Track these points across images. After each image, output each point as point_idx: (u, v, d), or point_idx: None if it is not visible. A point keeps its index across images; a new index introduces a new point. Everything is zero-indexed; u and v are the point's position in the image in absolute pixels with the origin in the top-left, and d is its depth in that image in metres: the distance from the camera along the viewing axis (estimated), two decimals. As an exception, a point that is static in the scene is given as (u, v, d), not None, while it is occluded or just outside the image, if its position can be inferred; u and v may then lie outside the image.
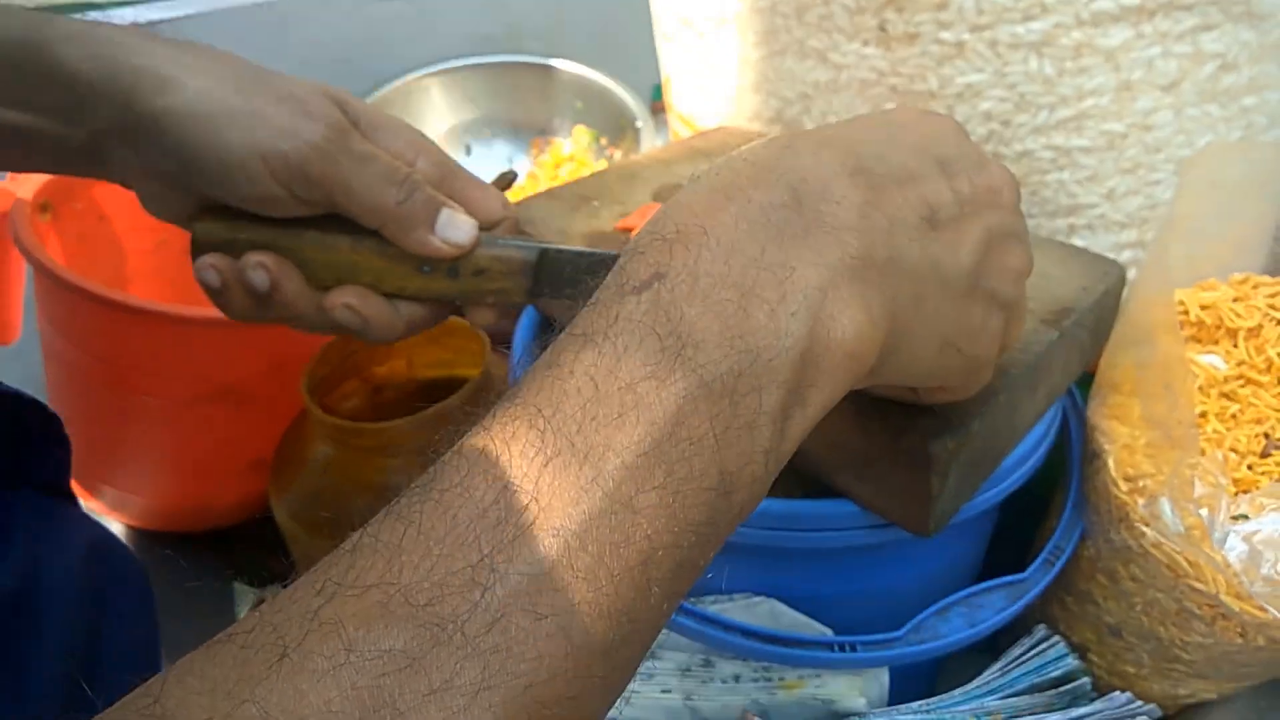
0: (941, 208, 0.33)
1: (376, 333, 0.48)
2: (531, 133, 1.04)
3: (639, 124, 0.94)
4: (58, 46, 0.44)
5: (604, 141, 1.01)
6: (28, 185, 0.69)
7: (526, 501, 0.24)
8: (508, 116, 1.04)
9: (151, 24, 0.97)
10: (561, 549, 0.24)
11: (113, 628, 0.54)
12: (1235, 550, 0.42)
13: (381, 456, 0.64)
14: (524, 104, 1.03)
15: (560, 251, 0.47)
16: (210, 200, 0.46)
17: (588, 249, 0.48)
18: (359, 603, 0.23)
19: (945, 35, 0.60)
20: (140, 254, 0.80)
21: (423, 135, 0.50)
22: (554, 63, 1.02)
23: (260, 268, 0.46)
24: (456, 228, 0.45)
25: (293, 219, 0.46)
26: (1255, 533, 0.42)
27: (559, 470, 0.24)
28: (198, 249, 0.47)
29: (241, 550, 0.80)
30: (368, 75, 1.02)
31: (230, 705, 0.21)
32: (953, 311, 0.33)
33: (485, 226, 0.48)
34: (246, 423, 0.71)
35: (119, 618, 0.54)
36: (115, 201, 0.77)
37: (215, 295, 0.48)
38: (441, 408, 0.64)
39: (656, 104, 1.01)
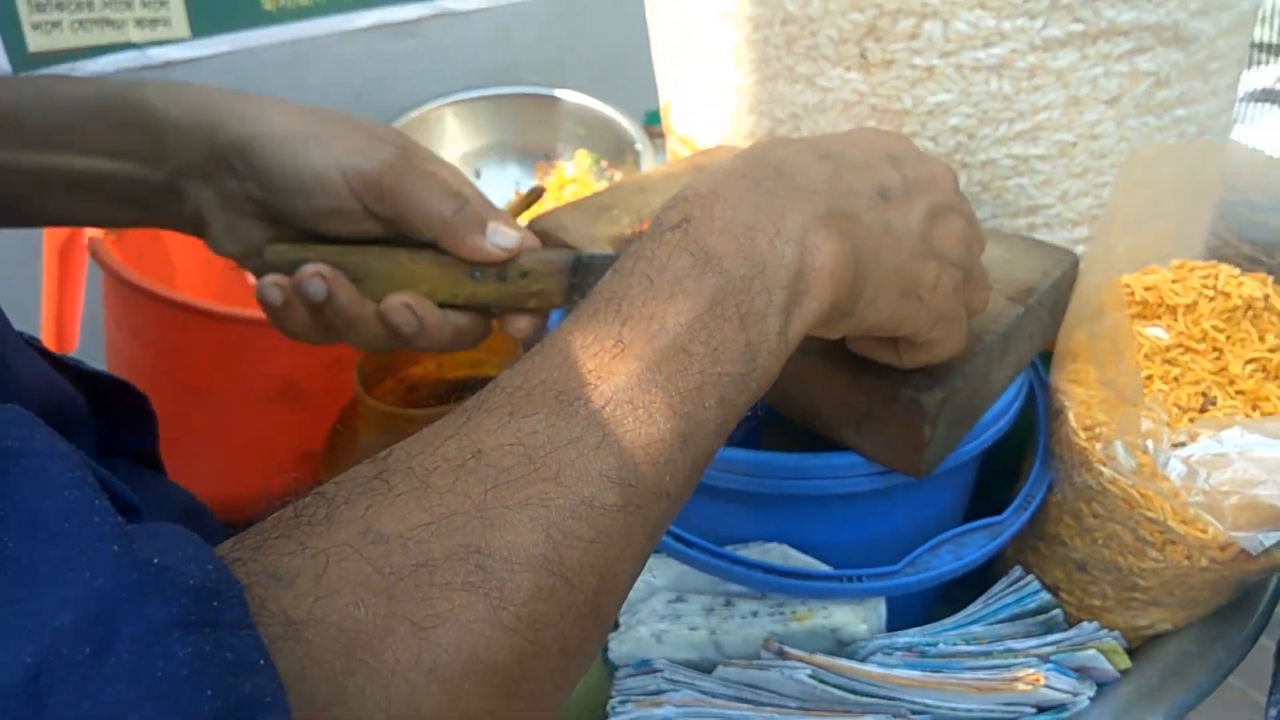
0: (891, 187, 0.43)
1: (429, 336, 0.53)
2: (536, 157, 1.13)
3: (638, 146, 1.03)
4: (150, 99, 0.51)
5: (604, 164, 1.10)
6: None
7: (613, 344, 0.34)
8: (514, 143, 1.13)
9: (178, 63, 1.05)
10: (643, 369, 0.33)
11: None
12: (1176, 471, 0.51)
13: (428, 439, 0.72)
14: (529, 131, 1.12)
15: (592, 255, 0.54)
16: (284, 225, 0.52)
17: (615, 253, 0.56)
18: (506, 396, 0.32)
19: (918, 60, 0.69)
20: (189, 269, 0.87)
21: (461, 173, 0.57)
22: (557, 93, 1.11)
23: (317, 277, 0.51)
24: (504, 235, 0.53)
25: (356, 239, 0.53)
26: (1190, 455, 0.51)
27: (634, 327, 0.34)
28: (264, 271, 0.53)
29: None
30: (382, 108, 1.11)
31: (420, 446, 0.31)
32: (907, 265, 0.43)
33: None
34: (300, 417, 0.78)
35: None
36: (169, 222, 0.85)
37: (275, 312, 0.53)
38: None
39: (651, 128, 1.09)
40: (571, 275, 0.54)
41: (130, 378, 0.78)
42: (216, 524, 0.66)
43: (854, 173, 0.42)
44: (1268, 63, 1.27)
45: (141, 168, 0.52)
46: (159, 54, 1.01)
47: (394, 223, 0.52)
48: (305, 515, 0.29)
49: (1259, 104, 1.28)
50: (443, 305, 0.54)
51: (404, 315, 0.52)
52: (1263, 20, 1.26)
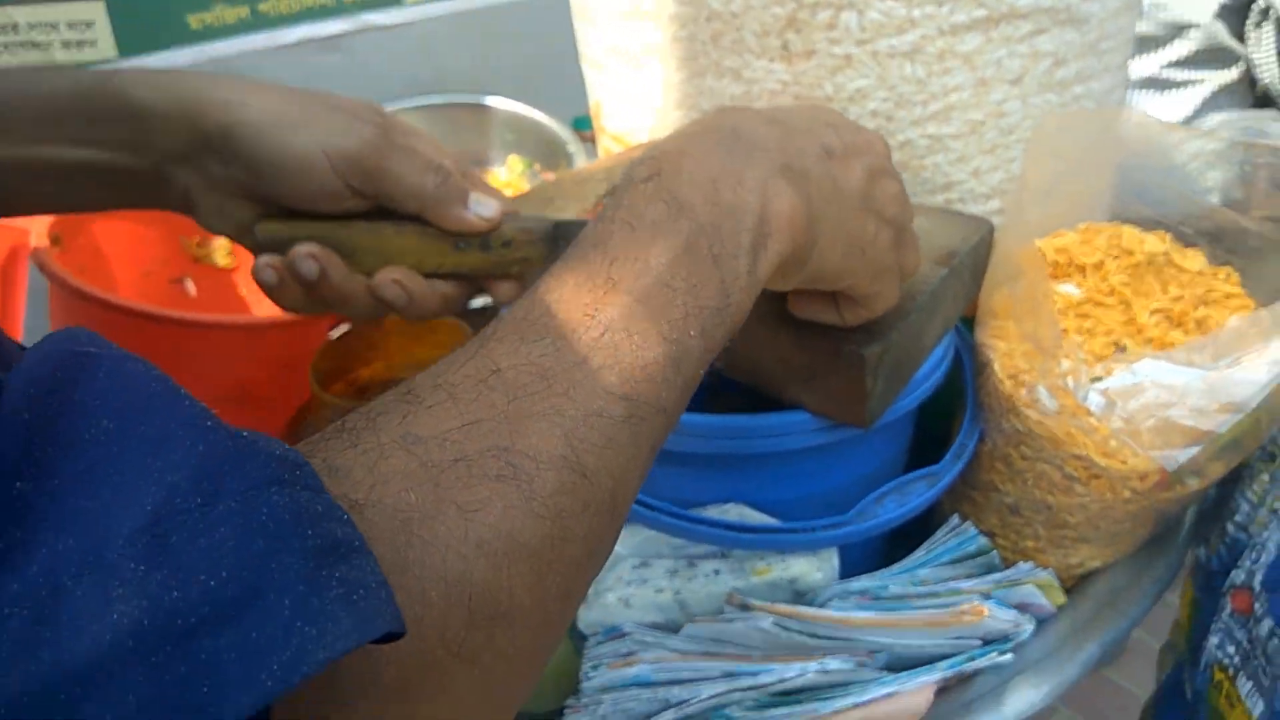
0: (833, 149, 0.47)
1: (418, 307, 0.56)
2: (468, 164, 1.15)
3: (570, 149, 1.06)
4: (129, 88, 0.52)
5: (537, 168, 1.12)
6: (40, 222, 0.76)
7: (604, 280, 0.37)
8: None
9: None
10: (633, 302, 0.37)
11: None
12: (1095, 403, 0.56)
13: (387, 432, 0.73)
14: (461, 139, 1.14)
15: (570, 221, 0.57)
16: (271, 205, 0.54)
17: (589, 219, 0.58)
18: (514, 326, 0.36)
19: (836, 50, 0.74)
20: (128, 284, 0.88)
21: (439, 144, 0.58)
22: (486, 100, 1.13)
23: (309, 258, 0.53)
24: (485, 205, 0.55)
25: (343, 215, 0.54)
26: (1107, 388, 0.56)
27: (621, 266, 0.37)
28: (258, 250, 0.55)
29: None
30: (313, 122, 1.12)
31: (443, 368, 0.34)
32: (852, 220, 0.47)
33: None
34: (252, 421, 0.79)
35: None
36: (110, 238, 0.85)
37: (272, 291, 0.55)
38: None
39: (581, 133, 1.13)
40: (551, 242, 0.57)
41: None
42: None
43: (801, 135, 0.46)
44: (1152, 52, 1.35)
45: (128, 156, 0.53)
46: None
47: (378, 199, 0.54)
48: (349, 425, 0.32)
49: (1144, 90, 1.37)
50: (429, 275, 0.56)
51: (394, 291, 0.54)
52: (1144, 15, 1.35)
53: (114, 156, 0.53)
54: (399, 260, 0.55)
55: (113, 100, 0.52)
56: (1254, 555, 0.66)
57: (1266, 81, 1.31)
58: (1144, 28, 1.36)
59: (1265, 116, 0.68)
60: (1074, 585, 0.72)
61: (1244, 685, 0.65)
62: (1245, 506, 0.69)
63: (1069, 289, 0.68)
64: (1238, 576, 0.67)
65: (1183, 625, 0.79)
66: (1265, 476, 0.68)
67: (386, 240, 0.55)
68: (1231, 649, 0.67)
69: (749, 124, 0.45)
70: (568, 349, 0.35)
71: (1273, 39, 1.30)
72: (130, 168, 0.53)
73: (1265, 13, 1.31)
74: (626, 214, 0.39)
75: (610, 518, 0.35)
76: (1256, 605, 0.64)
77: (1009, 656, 0.63)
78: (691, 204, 0.40)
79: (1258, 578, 0.64)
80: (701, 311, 0.38)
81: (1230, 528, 0.70)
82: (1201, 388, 0.55)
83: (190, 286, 0.90)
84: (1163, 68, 1.35)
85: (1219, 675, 0.69)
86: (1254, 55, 1.32)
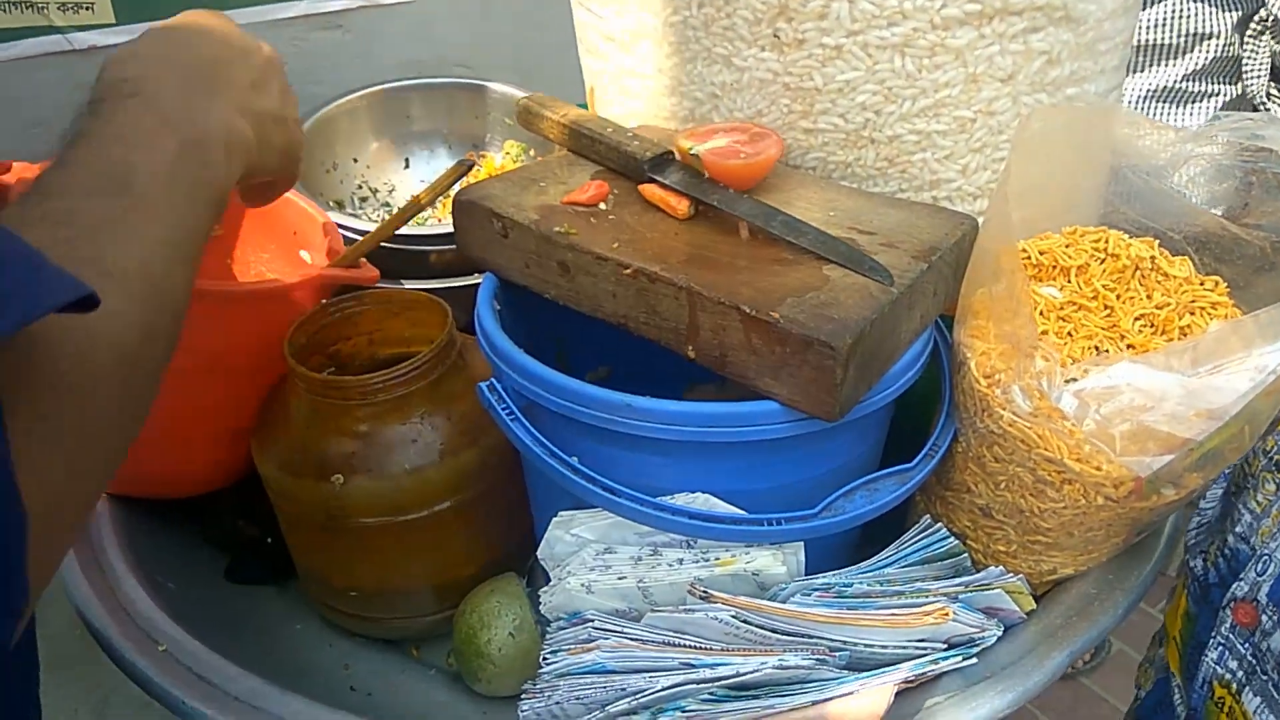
0: (257, 81, 0.59)
1: None
2: (466, 146, 1.14)
3: (565, 134, 1.05)
4: None
5: (533, 153, 1.11)
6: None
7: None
8: (444, 131, 1.14)
9: (102, 49, 1.05)
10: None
11: None
12: (1069, 405, 0.55)
13: (359, 407, 0.73)
14: (459, 120, 1.13)
15: None
16: None
17: None
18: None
19: (826, 40, 0.73)
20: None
21: None
22: (485, 83, 1.13)
23: None
24: None
25: None
26: (1082, 389, 0.55)
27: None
28: None
29: (212, 518, 0.87)
30: (311, 97, 1.11)
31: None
32: (276, 131, 0.61)
33: None
34: (229, 393, 0.78)
35: None
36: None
37: None
38: (409, 364, 0.73)
39: (577, 119, 1.12)
40: None
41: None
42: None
43: (243, 70, 0.58)
44: (1171, 62, 1.34)
45: None
46: (83, 39, 1.01)
47: None
48: None
49: (1158, 103, 1.35)
50: None
51: None
52: (1162, 24, 1.33)
53: None
54: None
55: None
56: (1259, 566, 0.64)
57: (1254, 90, 1.29)
58: (1164, 37, 1.34)
59: (1262, 119, 0.67)
60: (1046, 592, 0.71)
61: (1251, 701, 0.64)
62: (1247, 517, 0.68)
63: (1051, 291, 0.67)
64: (1240, 589, 0.65)
65: (1176, 641, 0.78)
66: (1271, 485, 0.67)
67: None
68: (1234, 664, 0.66)
69: (217, 57, 0.56)
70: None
71: (1267, 52, 1.29)
72: None
73: (1265, 24, 1.29)
74: (117, 129, 0.48)
75: None
76: (1264, 618, 0.63)
77: (973, 661, 0.62)
78: (175, 124, 0.50)
79: (1263, 589, 0.63)
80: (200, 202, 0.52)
81: (1231, 539, 0.69)
82: (1180, 393, 0.54)
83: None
84: (1180, 79, 1.33)
85: (1220, 691, 0.67)
86: (1246, 64, 1.31)
